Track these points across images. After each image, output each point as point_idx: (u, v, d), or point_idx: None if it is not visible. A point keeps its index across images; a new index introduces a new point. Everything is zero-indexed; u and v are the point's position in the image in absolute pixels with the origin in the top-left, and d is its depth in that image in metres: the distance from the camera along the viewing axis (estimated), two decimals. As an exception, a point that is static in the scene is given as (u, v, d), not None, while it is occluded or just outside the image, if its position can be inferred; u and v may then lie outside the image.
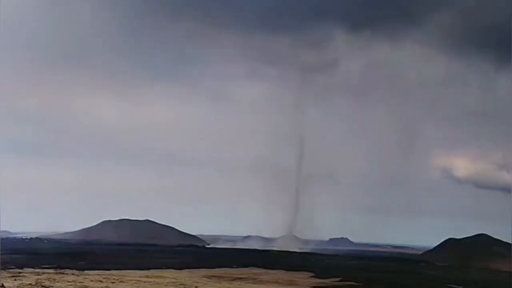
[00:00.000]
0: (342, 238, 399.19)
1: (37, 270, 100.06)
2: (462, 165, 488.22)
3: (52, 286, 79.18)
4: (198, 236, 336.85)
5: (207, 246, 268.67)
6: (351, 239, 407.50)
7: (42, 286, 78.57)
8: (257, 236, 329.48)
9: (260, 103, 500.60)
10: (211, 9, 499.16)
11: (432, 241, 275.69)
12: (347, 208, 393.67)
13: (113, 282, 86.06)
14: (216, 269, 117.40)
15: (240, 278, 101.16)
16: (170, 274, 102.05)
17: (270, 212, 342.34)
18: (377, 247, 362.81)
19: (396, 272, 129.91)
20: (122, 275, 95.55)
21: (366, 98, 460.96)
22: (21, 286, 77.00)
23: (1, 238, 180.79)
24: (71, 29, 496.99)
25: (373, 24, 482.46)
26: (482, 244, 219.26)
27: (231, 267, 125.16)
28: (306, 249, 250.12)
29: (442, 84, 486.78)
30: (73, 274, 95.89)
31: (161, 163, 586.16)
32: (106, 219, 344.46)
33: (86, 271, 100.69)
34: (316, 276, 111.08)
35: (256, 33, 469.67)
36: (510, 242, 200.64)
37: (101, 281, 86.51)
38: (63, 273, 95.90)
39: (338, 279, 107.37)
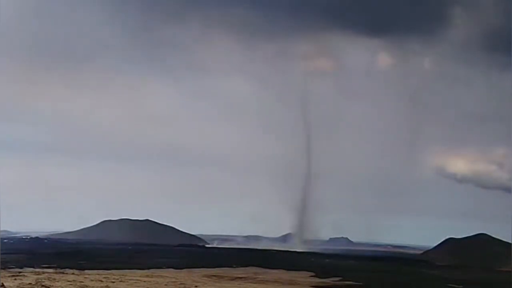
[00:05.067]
0: (342, 238, 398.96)
1: (37, 269, 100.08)
2: (462, 165, 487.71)
3: (52, 286, 79.17)
4: (198, 236, 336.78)
5: (207, 246, 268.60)
6: (351, 239, 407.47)
7: (42, 285, 78.53)
8: (257, 236, 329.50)
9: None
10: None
11: (432, 241, 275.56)
12: (347, 207, 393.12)
13: (113, 282, 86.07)
14: (216, 268, 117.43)
15: (240, 278, 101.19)
16: (170, 274, 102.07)
17: (270, 212, 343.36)
18: (377, 247, 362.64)
19: (396, 272, 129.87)
20: (122, 275, 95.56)
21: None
22: (21, 286, 76.98)
23: (1, 238, 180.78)
24: (71, 28, 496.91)
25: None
26: (482, 244, 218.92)
27: (231, 266, 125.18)
28: (306, 248, 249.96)
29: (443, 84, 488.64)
30: (73, 273, 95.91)
31: (161, 163, 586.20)
32: (106, 219, 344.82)
33: (86, 271, 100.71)
34: (316, 276, 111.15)
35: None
36: (510, 242, 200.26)
37: (101, 281, 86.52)
38: (63, 273, 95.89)
39: (338, 278, 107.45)
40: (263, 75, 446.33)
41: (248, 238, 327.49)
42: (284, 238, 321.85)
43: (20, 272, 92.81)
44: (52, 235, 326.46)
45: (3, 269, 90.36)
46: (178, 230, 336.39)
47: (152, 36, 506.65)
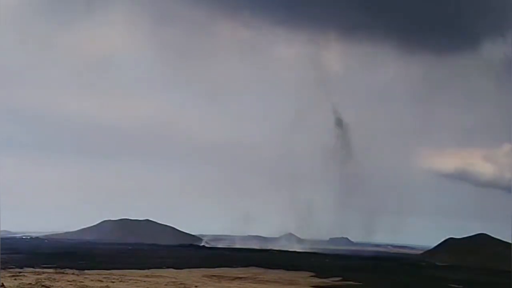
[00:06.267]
0: (342, 238, 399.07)
1: (37, 269, 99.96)
2: (463, 165, 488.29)
3: (52, 286, 79.06)
4: (198, 236, 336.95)
5: (207, 246, 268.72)
6: (351, 239, 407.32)
7: (42, 285, 78.43)
8: (257, 236, 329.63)
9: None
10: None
11: (432, 241, 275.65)
12: (347, 207, 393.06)
13: (113, 282, 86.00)
14: (216, 268, 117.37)
15: (240, 278, 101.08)
16: (170, 274, 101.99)
17: (271, 212, 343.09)
18: (377, 247, 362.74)
19: (396, 272, 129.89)
20: (122, 275, 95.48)
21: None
22: (21, 286, 76.85)
23: (1, 238, 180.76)
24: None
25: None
26: (482, 244, 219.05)
27: (231, 266, 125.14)
28: (306, 248, 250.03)
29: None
30: (73, 273, 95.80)
31: (161, 162, 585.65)
32: (106, 219, 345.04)
33: (86, 271, 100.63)
34: (316, 276, 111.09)
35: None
36: (510, 242, 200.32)
37: (101, 281, 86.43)
38: (63, 273, 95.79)
39: (338, 278, 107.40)
40: (274, 77, 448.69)
41: (248, 238, 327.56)
42: (284, 238, 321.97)
43: (20, 272, 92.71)
44: (52, 235, 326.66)
45: (3, 269, 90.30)
46: (178, 230, 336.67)
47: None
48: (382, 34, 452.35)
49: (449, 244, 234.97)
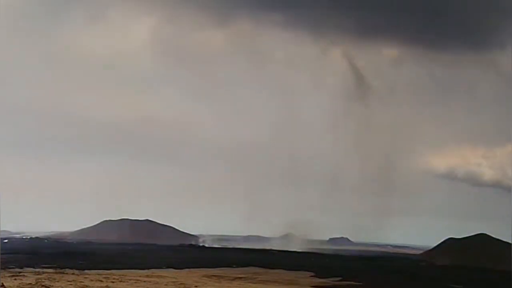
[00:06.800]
0: (342, 238, 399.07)
1: (37, 269, 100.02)
2: (462, 165, 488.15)
3: (52, 286, 79.15)
4: (198, 236, 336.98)
5: (207, 246, 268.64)
6: (351, 239, 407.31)
7: (42, 285, 78.50)
8: (257, 236, 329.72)
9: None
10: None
11: (432, 241, 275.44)
12: (347, 207, 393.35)
13: (113, 282, 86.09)
14: (216, 268, 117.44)
15: (240, 278, 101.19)
16: (170, 274, 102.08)
17: (271, 212, 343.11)
18: (377, 247, 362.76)
19: (396, 272, 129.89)
20: (122, 275, 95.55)
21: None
22: (21, 286, 76.92)
23: (1, 238, 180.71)
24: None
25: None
26: (482, 244, 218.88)
27: (231, 267, 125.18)
28: (306, 248, 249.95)
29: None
30: (73, 273, 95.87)
31: (161, 162, 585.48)
32: (106, 219, 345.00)
33: (86, 271, 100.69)
34: (316, 276, 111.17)
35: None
36: (510, 242, 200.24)
37: (101, 281, 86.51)
38: (63, 273, 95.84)
39: (338, 278, 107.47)
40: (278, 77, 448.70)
41: (248, 238, 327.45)
42: (284, 238, 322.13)
43: (20, 272, 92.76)
44: (52, 235, 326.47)
45: (3, 269, 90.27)
46: (178, 230, 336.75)
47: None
48: (388, 34, 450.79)
49: (449, 244, 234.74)
